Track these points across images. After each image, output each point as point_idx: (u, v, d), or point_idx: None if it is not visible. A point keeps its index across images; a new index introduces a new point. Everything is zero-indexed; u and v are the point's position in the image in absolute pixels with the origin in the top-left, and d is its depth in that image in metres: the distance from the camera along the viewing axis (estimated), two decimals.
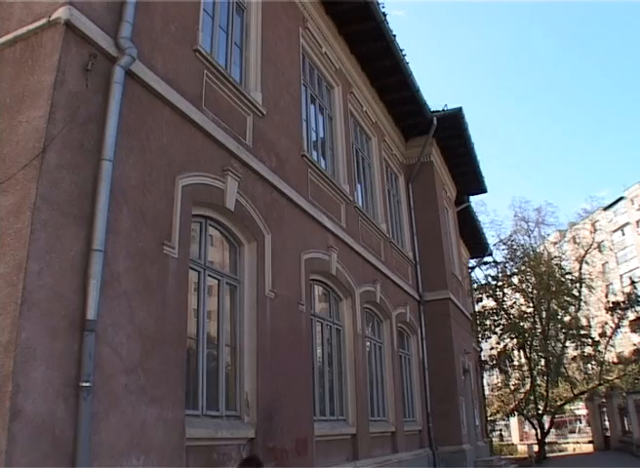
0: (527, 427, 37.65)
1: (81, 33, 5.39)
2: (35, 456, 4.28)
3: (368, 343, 12.74)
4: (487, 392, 31.00)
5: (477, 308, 27.31)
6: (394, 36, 13.49)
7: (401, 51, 13.97)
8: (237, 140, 7.96)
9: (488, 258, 28.75)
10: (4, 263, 4.61)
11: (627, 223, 60.39)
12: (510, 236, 30.38)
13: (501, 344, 26.65)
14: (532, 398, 27.04)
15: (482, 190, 22.52)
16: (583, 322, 28.74)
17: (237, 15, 9.15)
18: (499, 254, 29.17)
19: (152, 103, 6.27)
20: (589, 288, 29.67)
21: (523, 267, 27.17)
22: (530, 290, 26.48)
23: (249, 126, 8.48)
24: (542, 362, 26.61)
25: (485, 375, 29.39)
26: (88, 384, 4.77)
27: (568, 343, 27.35)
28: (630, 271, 53.36)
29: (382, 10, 12.75)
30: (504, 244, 29.13)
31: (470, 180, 21.50)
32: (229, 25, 8.85)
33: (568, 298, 26.68)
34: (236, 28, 9.05)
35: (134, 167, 5.83)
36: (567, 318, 27.00)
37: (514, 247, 28.66)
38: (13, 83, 5.35)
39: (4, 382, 4.24)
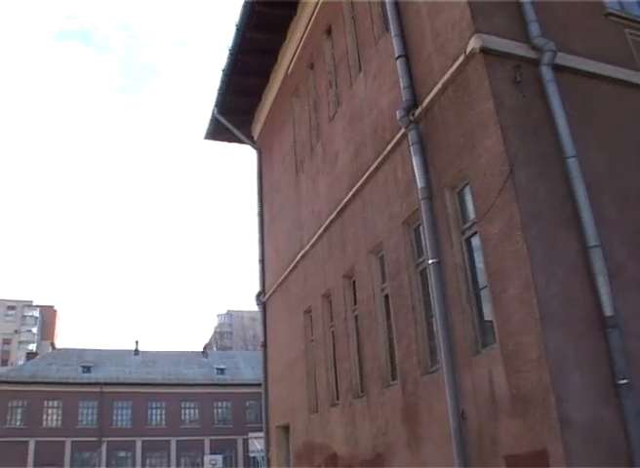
0: None
1: (497, 52, 5.55)
2: (590, 461, 4.31)
3: None
4: None
5: None
6: None
7: None
8: None
9: None
10: (513, 285, 4.88)
11: None
12: None
13: None
14: None
15: None
16: None
17: None
18: None
19: (588, 85, 5.98)
20: None
21: None
22: None
23: None
24: None
25: None
26: (625, 381, 4.64)
27: None
28: None
29: None
30: None
31: None
32: None
33: None
34: None
35: (597, 155, 5.62)
36: None
37: None
38: (458, 123, 5.78)
39: (546, 394, 4.44)
